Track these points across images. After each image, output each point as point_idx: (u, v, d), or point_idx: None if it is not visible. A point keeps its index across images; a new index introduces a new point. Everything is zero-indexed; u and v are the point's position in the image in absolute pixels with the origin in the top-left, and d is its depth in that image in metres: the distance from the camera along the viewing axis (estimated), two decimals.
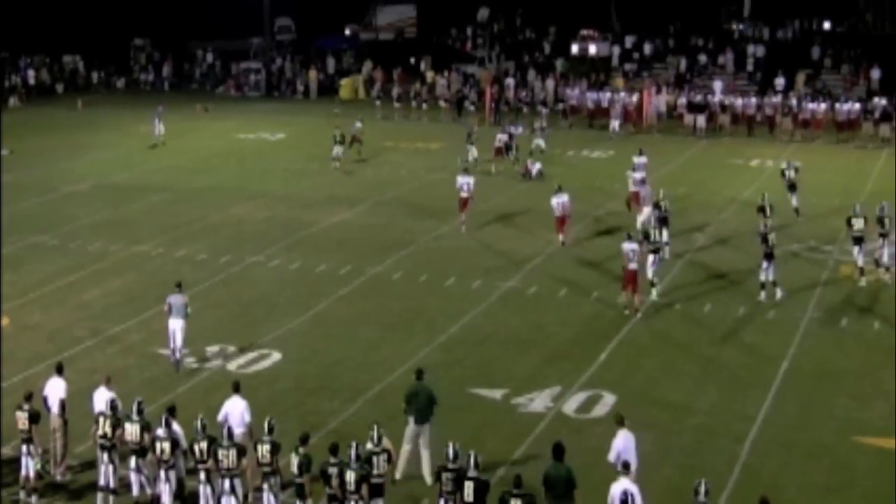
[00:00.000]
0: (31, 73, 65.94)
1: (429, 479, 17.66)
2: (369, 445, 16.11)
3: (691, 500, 14.52)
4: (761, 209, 30.32)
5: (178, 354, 22.83)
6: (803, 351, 23.89)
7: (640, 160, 36.06)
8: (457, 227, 33.71)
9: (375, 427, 16.36)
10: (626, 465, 15.32)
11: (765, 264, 26.94)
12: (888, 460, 18.30)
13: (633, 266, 25.74)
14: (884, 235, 28.61)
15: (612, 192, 35.97)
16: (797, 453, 19.12)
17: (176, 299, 22.87)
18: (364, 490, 15.36)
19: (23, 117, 54.49)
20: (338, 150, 42.48)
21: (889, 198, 33.85)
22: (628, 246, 25.85)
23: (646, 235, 27.66)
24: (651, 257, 27.06)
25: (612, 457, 16.35)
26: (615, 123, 50.81)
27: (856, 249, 28.31)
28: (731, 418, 20.53)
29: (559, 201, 31.68)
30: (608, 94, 54.99)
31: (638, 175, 34.81)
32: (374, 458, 15.90)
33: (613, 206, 35.27)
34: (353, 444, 15.71)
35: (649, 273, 27.05)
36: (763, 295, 26.99)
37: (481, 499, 15.00)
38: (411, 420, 18.04)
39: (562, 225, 31.83)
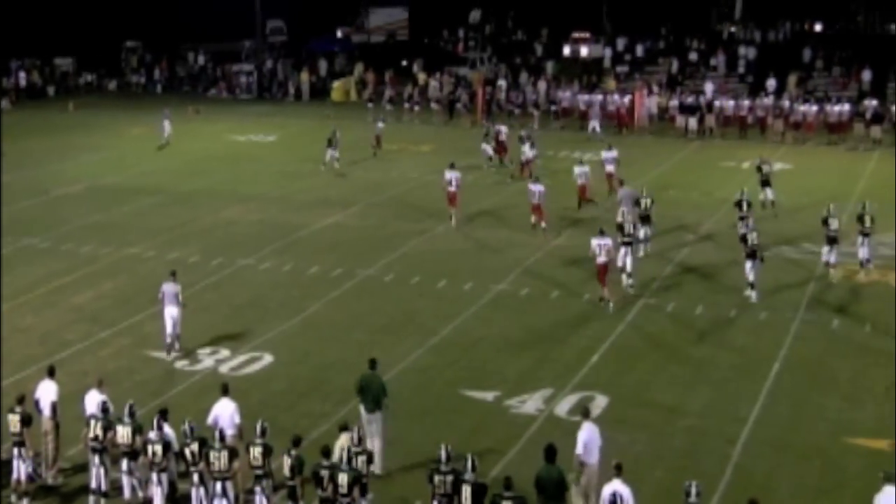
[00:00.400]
0: (22, 76, 65.89)
1: (378, 470, 17.77)
2: (344, 440, 16.23)
3: (683, 502, 14.54)
4: (738, 203, 31.17)
5: (174, 342, 23.63)
6: (795, 352, 23.92)
7: (608, 154, 38.07)
8: (449, 230, 33.79)
9: (356, 427, 16.50)
10: (618, 467, 15.32)
11: (749, 264, 27.20)
12: (879, 461, 18.31)
13: (601, 260, 26.38)
14: (864, 234, 28.86)
15: (604, 194, 36.12)
16: (789, 455, 19.16)
17: (169, 287, 23.68)
18: (356, 492, 15.37)
19: (14, 119, 54.28)
20: (332, 152, 42.55)
21: (881, 199, 34.06)
22: (595, 241, 26.56)
23: (619, 228, 28.14)
24: (623, 249, 27.70)
25: (579, 449, 16.53)
26: (594, 123, 50.90)
27: (826, 248, 28.69)
28: (723, 420, 20.55)
29: (536, 189, 33.14)
30: (598, 96, 55.15)
31: (609, 168, 37.15)
32: (355, 459, 15.94)
33: (606, 208, 35.27)
34: (346, 447, 15.74)
35: (628, 265, 27.70)
36: (754, 295, 27.13)
37: (479, 502, 15.00)
38: (363, 409, 18.26)
39: (538, 211, 33.05)
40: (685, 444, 19.66)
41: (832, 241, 28.50)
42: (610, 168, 37.55)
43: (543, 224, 32.89)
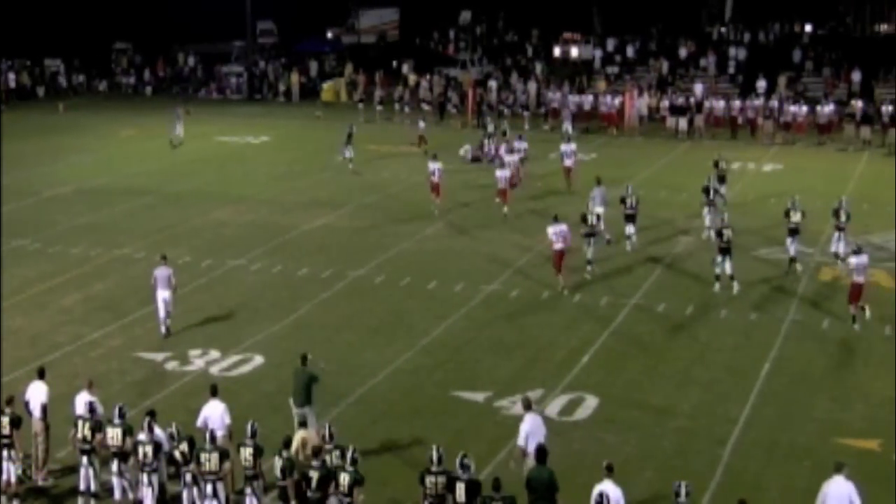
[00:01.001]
0: (11, 77, 65.70)
1: None
2: (303, 434, 16.42)
3: (672, 503, 14.57)
4: (705, 190, 32.29)
5: (167, 323, 24.55)
6: (784, 353, 23.97)
7: (567, 147, 39.17)
8: (439, 231, 33.83)
9: (327, 425, 16.67)
10: (608, 468, 15.33)
11: (719, 258, 27.68)
12: (868, 461, 18.38)
13: (558, 247, 27.52)
14: (840, 229, 29.12)
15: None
16: (778, 455, 19.20)
17: (161, 272, 24.53)
18: (355, 494, 15.37)
19: (3, 121, 54.05)
20: (346, 149, 42.67)
21: (871, 199, 34.19)
22: (551, 229, 27.65)
23: (583, 220, 29.11)
24: (586, 241, 28.83)
25: (521, 441, 16.82)
26: (567, 125, 50.85)
27: (789, 240, 29.17)
28: (713, 421, 20.59)
29: (502, 175, 35.42)
30: (589, 97, 55.26)
31: (567, 162, 38.63)
32: (326, 457, 15.97)
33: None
34: (351, 448, 15.71)
35: (588, 254, 28.84)
36: (717, 286, 27.61)
37: (473, 499, 15.04)
38: (292, 402, 18.46)
39: (504, 195, 35.13)
40: (675, 444, 19.68)
41: (793, 232, 28.99)
42: (568, 162, 38.58)
43: (506, 209, 34.39)
